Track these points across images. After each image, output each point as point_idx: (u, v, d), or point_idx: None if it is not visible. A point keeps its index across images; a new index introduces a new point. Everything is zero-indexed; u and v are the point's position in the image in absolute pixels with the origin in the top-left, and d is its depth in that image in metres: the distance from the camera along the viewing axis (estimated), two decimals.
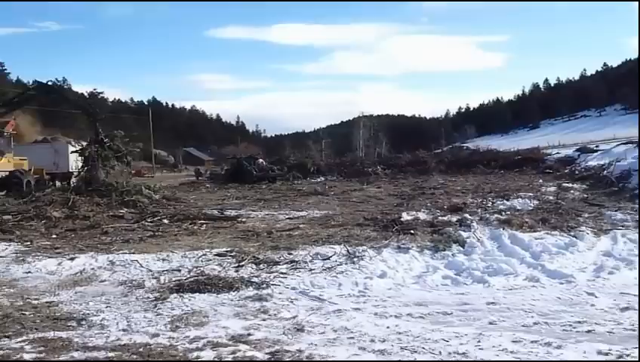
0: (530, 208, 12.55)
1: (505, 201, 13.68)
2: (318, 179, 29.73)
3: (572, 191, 16.59)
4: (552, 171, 25.52)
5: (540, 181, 21.04)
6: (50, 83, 23.18)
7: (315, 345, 4.56)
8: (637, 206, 12.22)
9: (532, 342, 4.55)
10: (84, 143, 33.70)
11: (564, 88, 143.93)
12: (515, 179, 22.70)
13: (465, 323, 5.15)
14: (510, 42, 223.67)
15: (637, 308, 5.49)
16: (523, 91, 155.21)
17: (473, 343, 4.53)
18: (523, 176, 24.93)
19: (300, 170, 32.90)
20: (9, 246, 9.87)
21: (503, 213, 11.48)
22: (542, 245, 8.38)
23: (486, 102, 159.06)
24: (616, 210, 11.77)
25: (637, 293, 6.00)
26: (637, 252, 8.00)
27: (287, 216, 13.35)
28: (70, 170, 31.06)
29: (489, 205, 13.13)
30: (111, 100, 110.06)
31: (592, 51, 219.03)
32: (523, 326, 5.03)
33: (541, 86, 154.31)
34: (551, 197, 14.65)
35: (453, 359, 4.21)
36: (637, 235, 9.05)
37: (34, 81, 23.89)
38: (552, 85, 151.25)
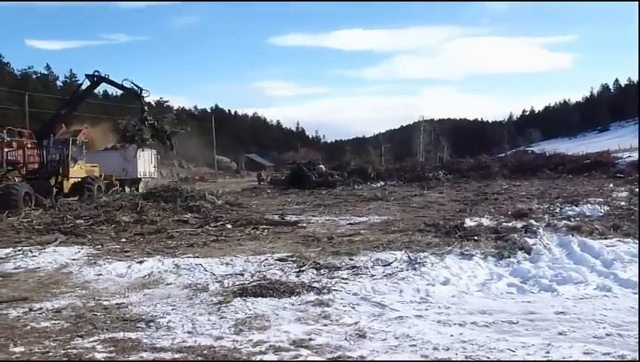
0: (601, 214, 12.11)
1: (573, 207, 13.28)
2: (378, 185, 29.63)
3: None
4: (624, 175, 24.54)
5: (611, 186, 20.27)
6: (96, 73, 24.18)
7: (377, 351, 4.53)
8: None
9: (604, 354, 4.36)
10: (153, 151, 34.89)
11: (635, 89, 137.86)
12: (583, 184, 21.98)
13: (532, 332, 4.99)
14: (578, 42, 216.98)
15: None
16: (591, 93, 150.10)
17: (541, 354, 4.39)
18: (592, 180, 24.11)
19: (360, 175, 32.88)
20: (81, 249, 10.30)
21: (572, 219, 11.15)
22: (614, 253, 8.05)
23: (552, 105, 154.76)
24: None
25: None
26: None
27: (347, 222, 13.35)
28: (138, 176, 32.14)
29: (556, 211, 12.78)
30: (175, 108, 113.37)
31: None
32: (594, 337, 4.82)
33: (611, 87, 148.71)
34: (623, 203, 14.08)
35: None
36: None
37: (85, 75, 25.10)
38: (623, 86, 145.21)
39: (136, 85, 24.20)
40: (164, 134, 23.69)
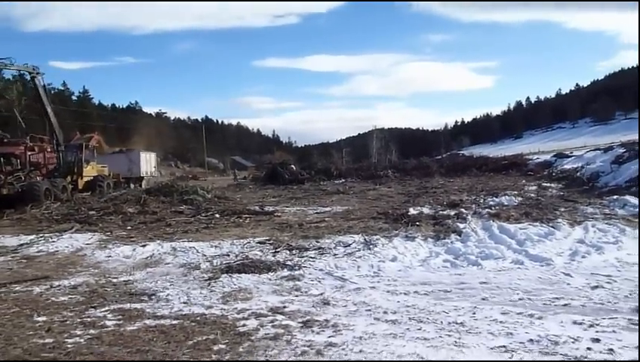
0: (515, 204, 12.34)
1: (494, 198, 13.47)
2: (340, 181, 29.56)
3: (550, 190, 16.26)
4: (533, 173, 24.88)
5: (523, 181, 20.63)
6: None
7: (339, 315, 4.57)
8: (604, 201, 11.95)
9: (518, 313, 4.49)
10: (154, 153, 34.32)
11: (543, 105, 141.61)
12: (502, 180, 22.30)
13: (462, 298, 5.10)
14: (498, 67, 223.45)
15: (605, 286, 5.38)
16: (509, 107, 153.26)
17: (469, 315, 4.49)
18: (509, 177, 24.43)
19: (325, 173, 32.69)
20: (94, 235, 10.09)
21: (493, 208, 11.32)
22: (525, 234, 8.25)
23: (478, 117, 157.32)
24: (587, 205, 11.50)
25: (607, 274, 5.89)
26: (605, 239, 7.83)
27: (314, 211, 13.33)
28: (141, 175, 31.61)
29: (481, 201, 12.95)
30: (172, 118, 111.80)
31: (566, 73, 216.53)
32: (510, 301, 4.96)
33: (524, 103, 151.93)
34: (532, 195, 14.40)
35: (452, 328, 4.18)
36: (605, 225, 8.85)
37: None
38: (533, 102, 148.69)
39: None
40: None
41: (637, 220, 9.06)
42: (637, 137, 20.42)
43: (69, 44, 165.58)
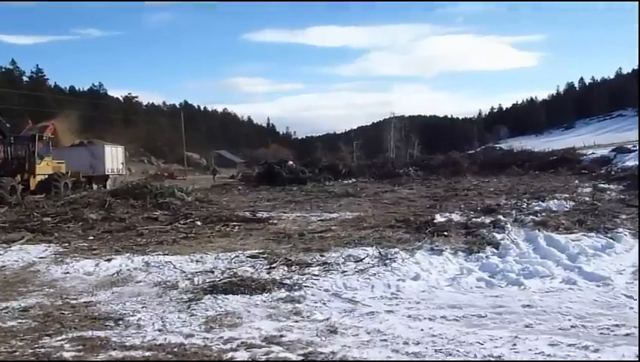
0: (566, 209, 12.33)
1: (540, 202, 13.45)
2: (350, 181, 29.60)
3: (608, 192, 16.23)
4: (588, 172, 24.96)
5: (576, 182, 20.63)
6: None
7: (349, 347, 4.55)
8: None
9: (569, 345, 4.46)
10: (121, 147, 34.52)
11: (599, 87, 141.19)
12: (549, 180, 22.30)
13: (500, 326, 5.08)
14: (545, 41, 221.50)
15: None
16: (557, 91, 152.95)
17: (508, 346, 4.47)
18: (558, 176, 24.48)
19: (331, 171, 32.78)
20: (49, 247, 10.10)
21: (538, 215, 11.27)
22: (578, 247, 8.23)
23: (519, 102, 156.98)
24: None
25: None
26: None
27: (318, 218, 13.33)
28: (106, 173, 31.69)
29: (523, 206, 12.93)
30: (145, 104, 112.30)
31: (628, 50, 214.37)
32: (560, 329, 4.93)
33: (576, 85, 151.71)
34: (587, 199, 14.37)
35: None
36: None
37: None
38: (587, 84, 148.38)
39: None
40: None
41: None
42: None
43: (20, 14, 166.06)
